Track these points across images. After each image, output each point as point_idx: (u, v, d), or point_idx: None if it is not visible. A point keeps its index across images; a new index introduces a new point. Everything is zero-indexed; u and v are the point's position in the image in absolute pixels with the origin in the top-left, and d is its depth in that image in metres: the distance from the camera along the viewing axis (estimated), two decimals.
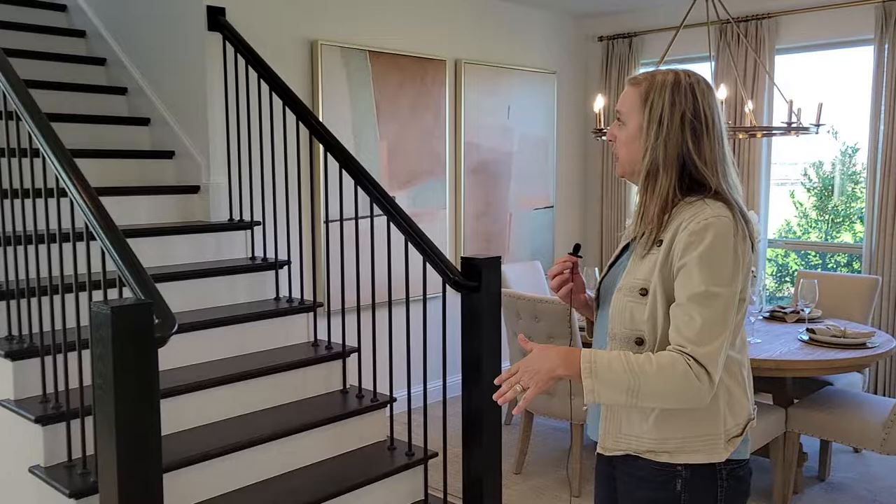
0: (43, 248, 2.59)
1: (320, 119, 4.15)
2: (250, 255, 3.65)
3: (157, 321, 1.96)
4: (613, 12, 5.76)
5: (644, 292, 1.53)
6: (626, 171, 1.62)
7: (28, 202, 2.63)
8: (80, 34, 4.43)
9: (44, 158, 2.41)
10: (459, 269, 2.88)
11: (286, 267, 3.57)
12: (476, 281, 2.83)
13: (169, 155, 3.90)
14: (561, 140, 5.86)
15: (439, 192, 4.93)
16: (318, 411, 3.07)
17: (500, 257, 2.92)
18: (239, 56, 3.58)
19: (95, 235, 2.21)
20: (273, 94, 3.46)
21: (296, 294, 3.57)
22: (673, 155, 1.52)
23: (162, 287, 3.17)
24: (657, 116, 1.52)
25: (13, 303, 2.74)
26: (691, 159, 1.51)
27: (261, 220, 3.63)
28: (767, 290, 5.87)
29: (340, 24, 4.35)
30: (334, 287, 4.01)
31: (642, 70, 5.69)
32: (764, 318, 4.13)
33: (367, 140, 4.48)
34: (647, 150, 1.54)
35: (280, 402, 3.12)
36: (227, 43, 3.62)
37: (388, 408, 3.19)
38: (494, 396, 1.55)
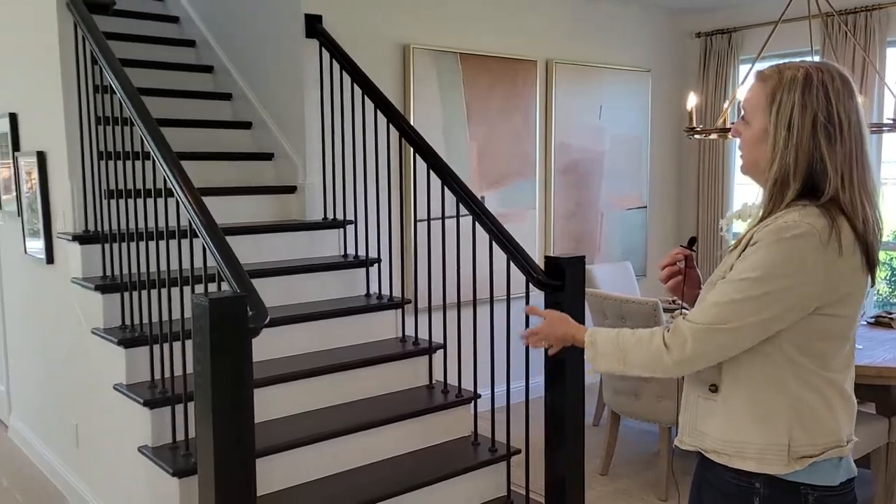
0: (153, 244, 2.79)
1: (411, 121, 4.26)
2: (342, 253, 3.79)
3: (250, 313, 2.09)
4: (712, 7, 5.62)
5: None
6: (750, 171, 1.55)
7: (140, 202, 2.84)
8: (191, 44, 4.71)
9: (154, 161, 2.61)
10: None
11: (376, 265, 3.69)
12: (559, 280, 2.85)
13: (268, 157, 4.10)
14: (655, 139, 5.77)
15: (529, 193, 4.96)
16: (405, 405, 3.16)
17: (583, 257, 2.92)
18: (334, 61, 3.72)
19: (198, 233, 2.37)
20: (366, 97, 3.59)
21: (385, 291, 3.69)
22: (804, 163, 1.42)
23: (258, 282, 3.34)
24: (785, 121, 1.42)
25: (126, 294, 2.96)
26: (822, 167, 1.41)
27: (353, 219, 3.76)
28: (879, 294, 5.58)
29: (432, 28, 4.45)
30: (422, 284, 4.10)
31: (742, 68, 5.52)
32: (868, 323, 3.95)
33: (458, 141, 4.55)
34: (775, 159, 1.44)
35: (367, 394, 3.23)
36: (324, 49, 3.78)
37: (472, 404, 3.25)
38: (523, 341, 1.88)
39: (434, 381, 3.40)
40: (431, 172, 3.26)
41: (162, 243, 2.72)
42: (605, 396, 3.96)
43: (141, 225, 2.83)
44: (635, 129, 5.57)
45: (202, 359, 2.03)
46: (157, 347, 2.77)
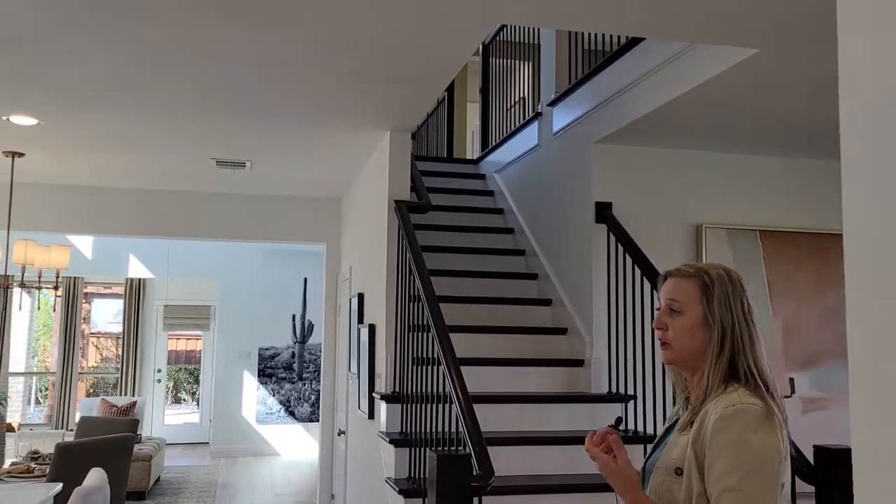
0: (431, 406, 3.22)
1: None
2: (623, 428, 3.84)
3: (478, 472, 2.34)
4: None
5: (679, 472, 1.59)
6: (679, 359, 1.69)
7: (428, 368, 3.32)
8: (510, 231, 5.38)
9: (433, 335, 3.09)
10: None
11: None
12: (828, 474, 2.59)
13: (563, 331, 4.41)
14: None
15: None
16: None
17: None
18: (619, 243, 3.98)
19: (454, 400, 2.73)
20: (644, 277, 3.75)
21: None
22: (729, 346, 1.62)
23: (535, 449, 3.59)
24: (720, 308, 1.64)
25: (411, 449, 3.41)
26: (743, 350, 1.62)
27: (633, 394, 3.82)
28: None
29: (727, 207, 4.47)
30: None
31: None
32: None
33: (758, 319, 4.38)
34: (712, 341, 1.63)
35: None
36: (611, 233, 4.07)
37: None
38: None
39: None
40: None
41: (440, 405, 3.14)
42: None
43: (426, 389, 3.29)
44: None
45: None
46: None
